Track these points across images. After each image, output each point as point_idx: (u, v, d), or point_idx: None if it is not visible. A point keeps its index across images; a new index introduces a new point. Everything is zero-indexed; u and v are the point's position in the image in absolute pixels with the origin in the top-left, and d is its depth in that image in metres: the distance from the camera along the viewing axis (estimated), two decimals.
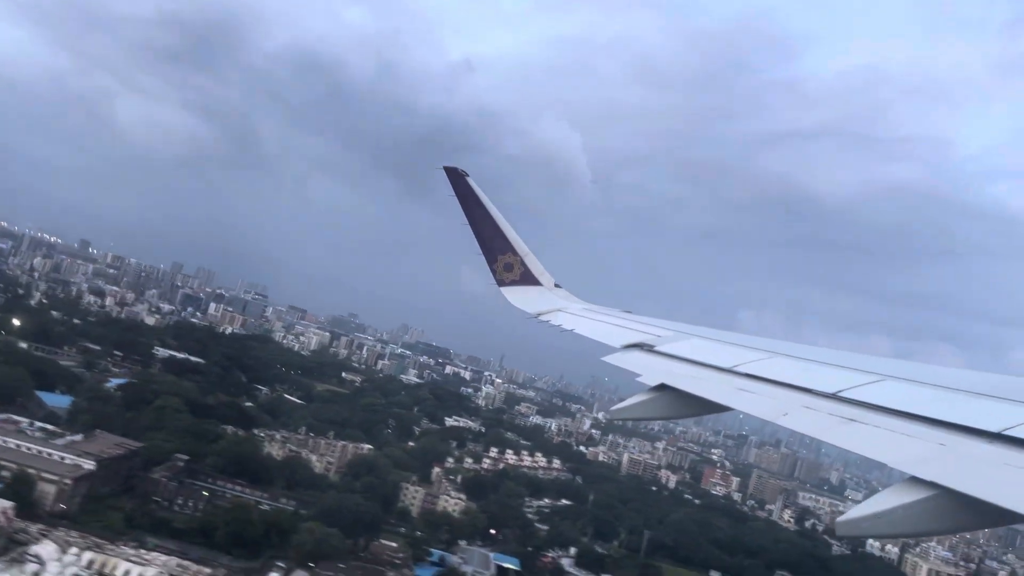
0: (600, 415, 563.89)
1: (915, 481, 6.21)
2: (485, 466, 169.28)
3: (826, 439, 7.75)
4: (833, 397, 8.45)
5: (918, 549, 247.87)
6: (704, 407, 10.22)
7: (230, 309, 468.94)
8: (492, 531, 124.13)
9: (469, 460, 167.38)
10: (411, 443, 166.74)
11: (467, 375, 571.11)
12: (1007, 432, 6.43)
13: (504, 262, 20.66)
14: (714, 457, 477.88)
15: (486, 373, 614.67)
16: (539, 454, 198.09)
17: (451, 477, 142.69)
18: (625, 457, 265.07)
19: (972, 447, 6.53)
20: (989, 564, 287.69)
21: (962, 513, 5.99)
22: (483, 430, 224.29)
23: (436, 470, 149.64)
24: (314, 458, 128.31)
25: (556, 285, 20.95)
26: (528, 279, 20.77)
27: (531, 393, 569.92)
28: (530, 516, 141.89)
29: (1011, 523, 5.91)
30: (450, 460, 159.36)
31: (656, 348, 12.72)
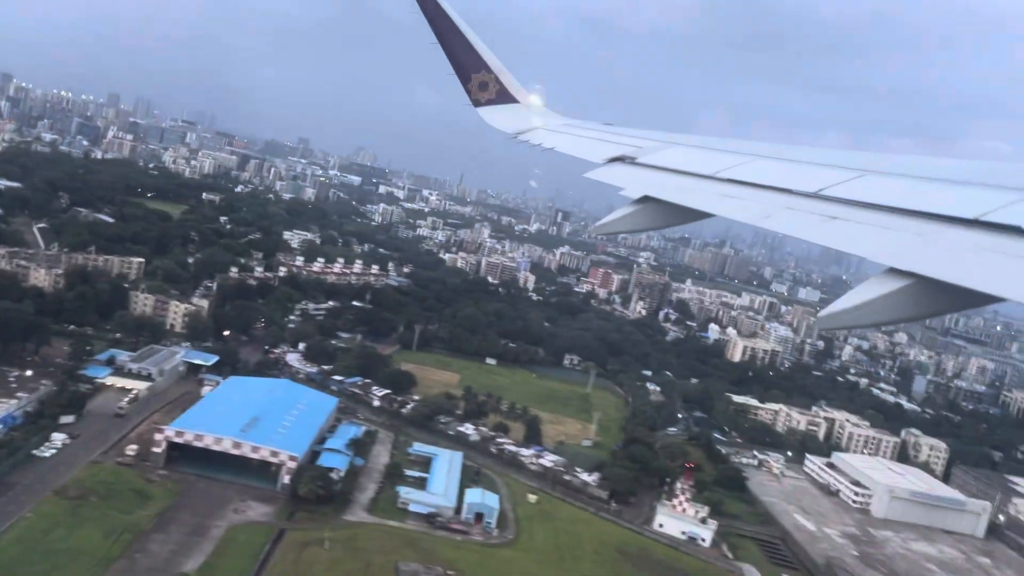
0: (534, 227, 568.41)
1: (893, 272, 6.40)
2: (281, 274, 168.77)
3: (807, 238, 7.98)
4: (815, 196, 8.58)
5: (761, 331, 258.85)
6: (687, 215, 10.41)
7: (129, 137, 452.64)
8: (225, 332, 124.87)
9: (260, 269, 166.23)
10: (198, 255, 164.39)
11: (401, 194, 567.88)
12: (983, 218, 6.53)
13: (478, 81, 19.83)
14: (639, 260, 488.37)
15: (425, 192, 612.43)
16: (359, 262, 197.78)
17: (208, 284, 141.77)
18: (483, 262, 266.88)
19: (949, 235, 6.68)
20: (852, 340, 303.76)
21: (937, 299, 6.22)
22: (318, 241, 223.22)
23: (214, 279, 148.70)
24: (42, 272, 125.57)
25: (533, 101, 20.28)
26: (504, 97, 20.12)
27: (467, 209, 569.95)
28: (293, 318, 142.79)
29: (983, 304, 6.14)
30: (234, 270, 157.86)
31: (638, 160, 12.70)
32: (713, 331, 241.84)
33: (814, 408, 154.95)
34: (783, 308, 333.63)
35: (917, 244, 6.74)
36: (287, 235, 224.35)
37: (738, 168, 10.39)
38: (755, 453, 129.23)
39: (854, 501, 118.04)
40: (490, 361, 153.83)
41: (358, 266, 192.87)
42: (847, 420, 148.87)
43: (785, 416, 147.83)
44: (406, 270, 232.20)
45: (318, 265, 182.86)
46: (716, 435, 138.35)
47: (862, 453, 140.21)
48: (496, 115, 19.71)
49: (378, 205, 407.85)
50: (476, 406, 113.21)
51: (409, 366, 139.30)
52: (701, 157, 11.82)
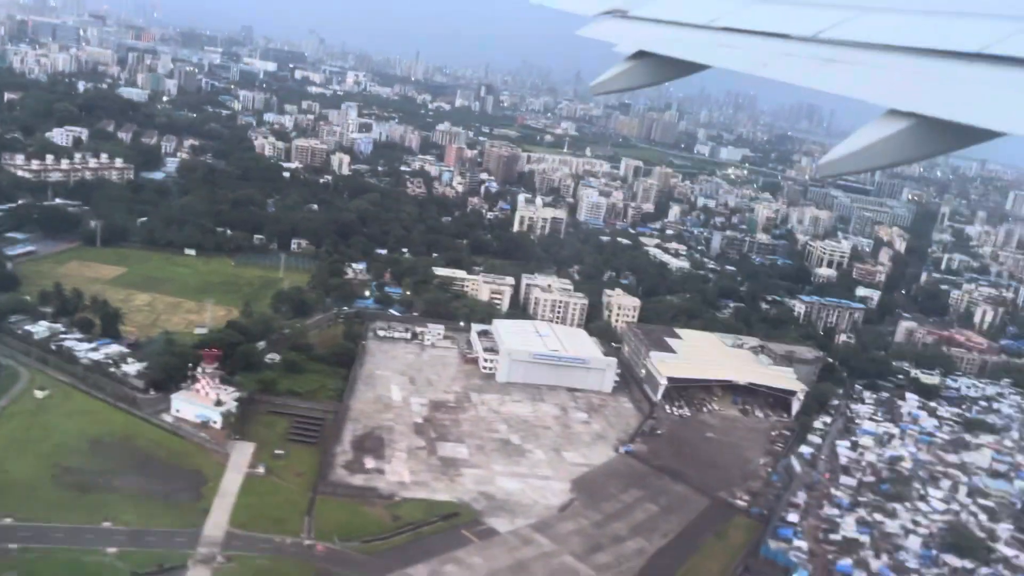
0: (458, 103, 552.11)
1: (894, 113, 6.38)
2: None
3: (804, 83, 7.88)
4: (812, 40, 8.50)
5: (589, 190, 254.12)
6: (682, 68, 10.35)
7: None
8: None
9: None
10: None
11: (318, 78, 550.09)
12: (986, 51, 6.42)
13: None
14: (556, 132, 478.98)
15: (351, 73, 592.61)
16: (105, 156, 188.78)
17: None
18: (293, 146, 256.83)
19: (951, 71, 6.60)
20: (700, 200, 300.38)
21: (939, 139, 6.23)
22: (82, 137, 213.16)
23: None
24: None
25: None
26: None
27: (389, 89, 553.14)
28: None
29: (985, 140, 6.13)
30: None
31: (630, 13, 12.37)
32: (519, 203, 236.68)
33: (527, 275, 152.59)
34: (657, 170, 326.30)
35: (917, 83, 6.65)
36: (55, 132, 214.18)
37: (734, 15, 10.10)
38: (409, 327, 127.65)
39: (485, 368, 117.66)
40: (189, 252, 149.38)
41: (95, 162, 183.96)
42: (547, 285, 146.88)
43: (478, 286, 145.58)
44: (204, 159, 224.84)
45: (40, 163, 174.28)
46: (393, 311, 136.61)
47: (547, 318, 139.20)
48: None
49: (239, 93, 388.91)
50: (61, 303, 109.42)
51: (72, 263, 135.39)
52: (696, 5, 11.30)
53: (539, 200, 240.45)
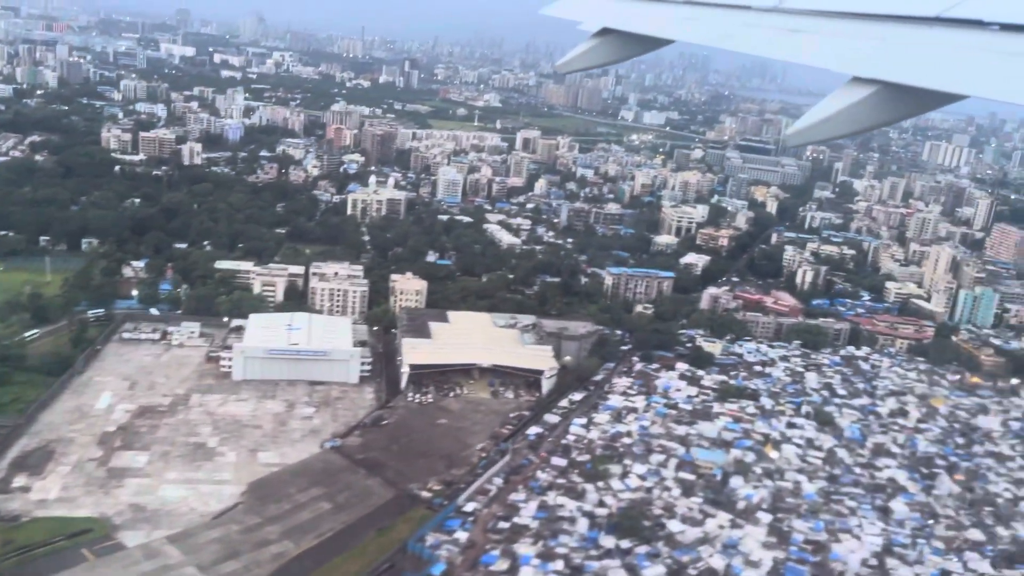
0: (382, 79, 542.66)
1: (858, 81, 6.43)
2: None
3: (768, 54, 7.83)
4: (774, 11, 8.44)
5: (446, 168, 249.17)
6: (647, 44, 10.26)
7: None
8: None
9: None
10: None
11: (237, 61, 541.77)
12: (944, 15, 6.46)
13: None
14: (478, 105, 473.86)
15: (277, 55, 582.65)
16: None
17: None
18: (140, 136, 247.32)
19: (911, 36, 6.58)
20: (579, 171, 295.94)
21: (902, 104, 6.27)
22: None
23: None
24: None
25: None
26: None
27: (310, 70, 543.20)
28: None
29: (948, 103, 6.09)
30: None
31: None
32: (371, 184, 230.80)
33: (316, 264, 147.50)
34: (541, 142, 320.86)
35: (879, 49, 6.64)
36: None
37: None
38: (159, 327, 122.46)
39: (223, 366, 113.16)
40: None
41: None
42: (334, 273, 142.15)
43: (256, 277, 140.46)
44: (39, 156, 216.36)
45: None
46: (154, 310, 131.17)
47: (326, 307, 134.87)
48: None
49: (122, 82, 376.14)
50: None
51: None
52: None
53: (391, 181, 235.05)
